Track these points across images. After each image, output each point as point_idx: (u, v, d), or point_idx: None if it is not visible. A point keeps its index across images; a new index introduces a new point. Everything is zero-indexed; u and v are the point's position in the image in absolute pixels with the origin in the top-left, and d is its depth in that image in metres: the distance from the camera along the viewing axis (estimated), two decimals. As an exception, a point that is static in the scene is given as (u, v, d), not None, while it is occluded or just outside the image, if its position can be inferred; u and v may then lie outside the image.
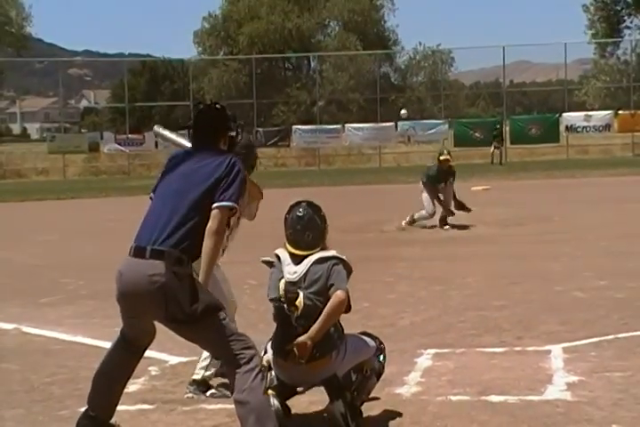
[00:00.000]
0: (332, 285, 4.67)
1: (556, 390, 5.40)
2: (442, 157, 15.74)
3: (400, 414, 4.97)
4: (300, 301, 4.76)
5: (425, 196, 15.06)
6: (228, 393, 4.95)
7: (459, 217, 15.47)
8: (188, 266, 4.38)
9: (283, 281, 4.81)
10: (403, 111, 16.83)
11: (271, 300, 4.86)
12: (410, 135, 36.55)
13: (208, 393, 5.55)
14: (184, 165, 4.74)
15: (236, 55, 48.92)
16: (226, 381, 5.02)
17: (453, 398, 5.31)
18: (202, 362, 5.65)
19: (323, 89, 43.90)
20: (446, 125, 35.34)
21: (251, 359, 4.42)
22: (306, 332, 4.66)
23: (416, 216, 15.10)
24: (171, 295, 4.32)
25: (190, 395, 5.56)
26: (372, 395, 5.11)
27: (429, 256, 12.07)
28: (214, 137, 4.74)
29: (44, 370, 6.42)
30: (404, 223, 15.03)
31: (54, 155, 39.23)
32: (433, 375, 5.88)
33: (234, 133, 4.83)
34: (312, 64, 46.06)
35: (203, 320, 4.40)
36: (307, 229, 4.91)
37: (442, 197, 15.16)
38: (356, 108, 43.07)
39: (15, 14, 63.00)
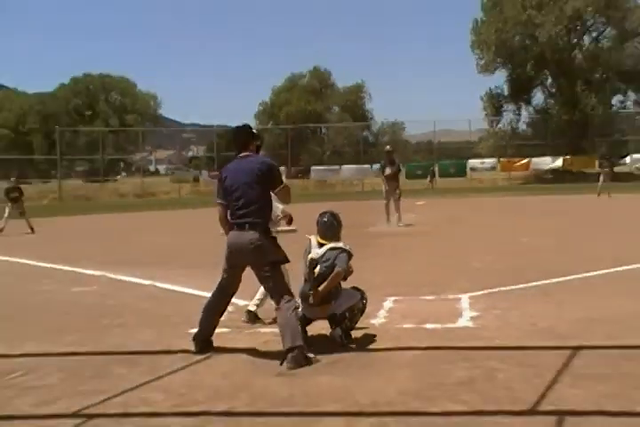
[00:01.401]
0: (336, 264, 5.64)
1: (464, 321, 6.26)
2: (385, 149, 17.99)
3: (374, 336, 5.81)
4: (317, 270, 5.72)
5: (384, 189, 16.57)
6: (269, 322, 6.15)
7: (409, 220, 17.05)
8: (270, 233, 5.36)
9: (310, 256, 5.78)
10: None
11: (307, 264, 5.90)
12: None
13: (265, 321, 6.37)
14: (239, 169, 5.35)
15: (277, 125, 59.75)
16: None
17: (404, 325, 6.13)
18: (256, 300, 6.54)
19: (329, 144, 54.82)
20: (402, 167, 40.35)
21: (292, 299, 5.33)
22: (319, 286, 5.62)
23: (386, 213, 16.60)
24: (266, 249, 5.21)
25: (244, 319, 6.48)
26: (358, 324, 5.87)
27: (393, 242, 13.27)
28: (247, 144, 5.47)
29: (169, 307, 7.32)
30: (397, 224, 16.48)
31: (174, 183, 47.12)
32: (393, 312, 6.74)
33: (259, 143, 5.62)
34: (323, 130, 55.68)
35: (277, 265, 5.29)
36: (328, 229, 5.90)
37: (393, 202, 16.47)
38: (348, 156, 50.90)
39: (153, 104, 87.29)
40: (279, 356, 5.19)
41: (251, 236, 5.19)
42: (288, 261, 5.46)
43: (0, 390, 4.79)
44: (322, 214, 5.98)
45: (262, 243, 5.22)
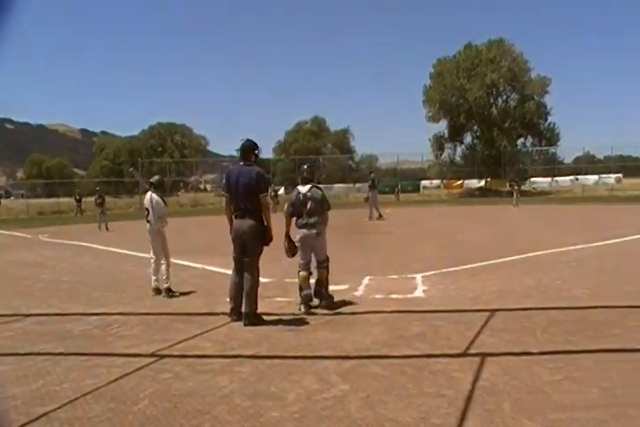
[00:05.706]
0: (327, 204, 5.69)
1: (418, 292, 6.31)
2: (369, 171, 20.38)
3: (356, 303, 5.80)
4: (309, 204, 5.56)
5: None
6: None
7: (380, 223, 16.93)
8: (262, 221, 5.13)
9: (301, 195, 5.58)
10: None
11: (293, 204, 5.60)
12: (359, 188, 40.28)
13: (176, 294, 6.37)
14: (241, 173, 5.05)
15: (288, 157, 58.52)
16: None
17: (377, 296, 6.15)
18: (164, 279, 6.46)
19: (326, 171, 52.43)
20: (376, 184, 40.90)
21: (255, 275, 5.02)
22: (310, 218, 5.46)
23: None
24: (258, 231, 5.07)
25: (164, 295, 6.36)
26: (344, 296, 5.92)
27: (368, 238, 12.73)
28: (250, 153, 5.15)
29: (214, 283, 7.03)
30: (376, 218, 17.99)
31: (216, 197, 45.15)
32: (368, 287, 6.75)
33: (257, 152, 5.23)
34: (320, 160, 53.08)
35: (261, 247, 5.13)
36: (307, 173, 5.75)
37: (372, 204, 18.18)
38: (337, 178, 48.74)
39: (203, 142, 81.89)
40: (289, 317, 5.14)
41: (250, 222, 5.05)
42: (268, 244, 5.16)
43: (104, 337, 4.89)
44: (301, 166, 5.92)
45: (257, 227, 5.07)
